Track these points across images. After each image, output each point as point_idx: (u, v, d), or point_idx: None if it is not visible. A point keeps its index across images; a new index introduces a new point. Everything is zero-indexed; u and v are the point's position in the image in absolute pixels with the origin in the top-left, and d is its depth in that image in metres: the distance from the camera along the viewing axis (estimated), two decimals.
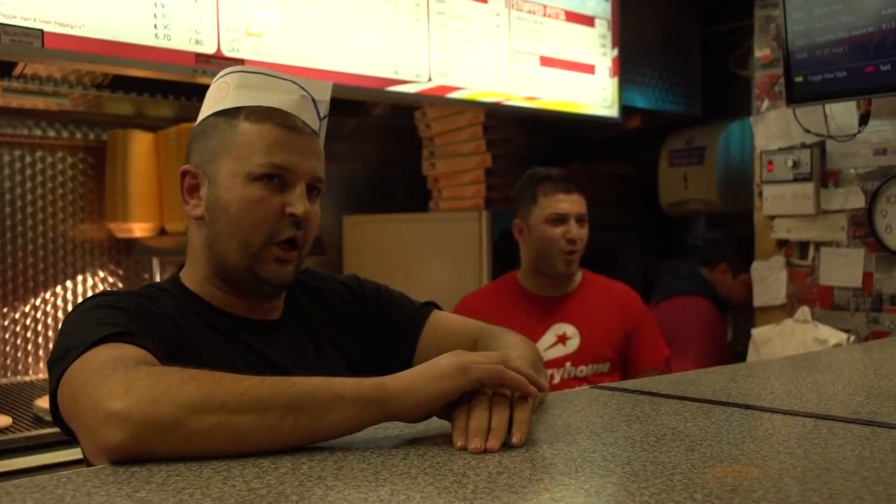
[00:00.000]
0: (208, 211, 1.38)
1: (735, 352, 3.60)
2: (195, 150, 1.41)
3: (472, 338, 1.56)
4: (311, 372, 1.39)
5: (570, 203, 2.64)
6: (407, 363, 1.51)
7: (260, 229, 1.35)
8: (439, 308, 1.65)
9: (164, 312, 1.32)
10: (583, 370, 2.63)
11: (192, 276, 1.43)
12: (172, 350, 1.25)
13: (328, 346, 1.50)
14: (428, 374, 1.08)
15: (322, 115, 1.44)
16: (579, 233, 2.63)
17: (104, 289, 3.34)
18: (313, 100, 1.42)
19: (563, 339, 2.64)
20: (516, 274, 2.76)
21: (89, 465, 1.06)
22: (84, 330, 1.17)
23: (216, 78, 1.44)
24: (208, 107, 1.42)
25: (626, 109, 3.80)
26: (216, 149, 1.37)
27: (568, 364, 2.63)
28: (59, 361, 1.13)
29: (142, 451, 0.98)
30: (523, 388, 1.10)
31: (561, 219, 2.63)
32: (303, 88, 1.40)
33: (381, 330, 1.57)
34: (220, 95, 1.41)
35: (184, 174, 1.42)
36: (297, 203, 1.35)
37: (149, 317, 1.27)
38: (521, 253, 2.76)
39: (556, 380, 2.58)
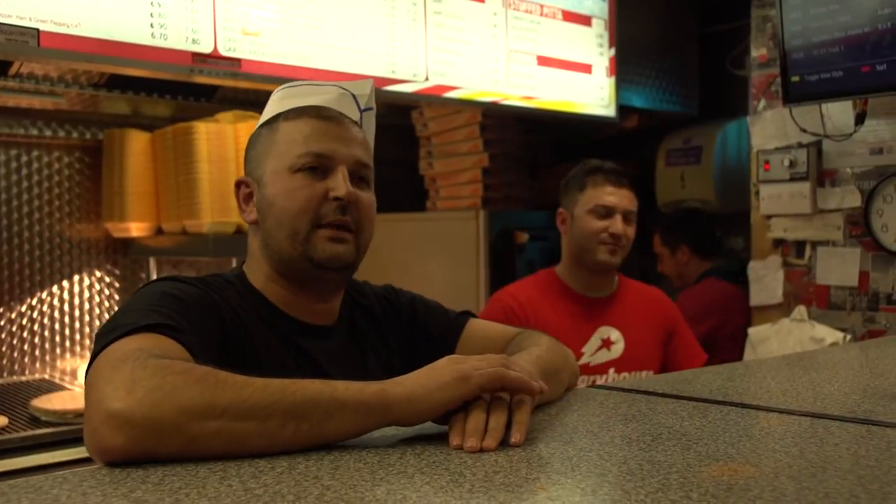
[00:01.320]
0: (259, 212, 1.41)
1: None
2: (246, 161, 1.47)
3: (507, 344, 1.55)
4: (354, 379, 1.41)
5: (619, 197, 2.51)
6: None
7: (304, 215, 1.36)
8: (474, 316, 1.64)
9: (228, 306, 1.33)
10: (626, 377, 2.51)
11: (256, 276, 1.44)
12: (229, 343, 1.26)
13: (372, 357, 1.51)
14: (430, 382, 1.08)
15: (363, 106, 1.48)
16: (625, 230, 2.49)
17: (102, 289, 3.34)
18: (353, 95, 1.46)
19: (607, 343, 2.51)
20: (554, 270, 2.61)
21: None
22: (135, 311, 1.19)
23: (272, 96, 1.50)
24: (259, 122, 1.48)
25: (623, 109, 3.80)
26: (259, 154, 1.43)
27: (612, 370, 2.49)
28: (102, 337, 1.14)
29: (140, 452, 0.98)
30: (526, 387, 1.11)
31: (607, 212, 2.49)
32: (342, 88, 1.45)
33: (416, 341, 1.57)
34: (267, 111, 1.47)
35: (238, 185, 1.47)
36: (340, 186, 1.36)
37: (210, 310, 1.28)
38: (561, 245, 2.61)
39: None
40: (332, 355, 1.42)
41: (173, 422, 0.98)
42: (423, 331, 1.58)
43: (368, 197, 1.43)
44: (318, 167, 1.37)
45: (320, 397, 1.03)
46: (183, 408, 0.98)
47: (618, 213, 2.50)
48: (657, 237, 3.75)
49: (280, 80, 2.67)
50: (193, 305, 1.26)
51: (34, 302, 3.19)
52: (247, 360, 1.27)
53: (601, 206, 2.49)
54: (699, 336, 3.15)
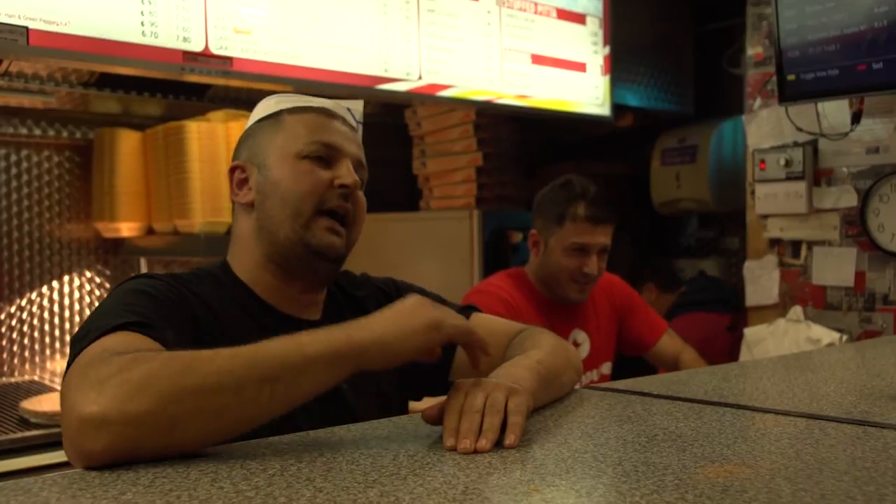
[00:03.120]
0: (259, 193, 1.43)
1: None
2: (242, 149, 1.49)
3: (511, 339, 1.55)
4: (346, 382, 1.40)
5: (597, 236, 2.43)
6: (445, 371, 1.53)
7: (309, 198, 1.39)
8: (478, 310, 1.63)
9: (202, 301, 1.33)
10: (589, 375, 2.54)
11: (242, 264, 1.45)
12: (203, 340, 1.25)
13: None
14: (400, 329, 1.12)
15: (358, 120, 1.54)
16: (598, 266, 2.46)
17: (92, 289, 3.33)
18: (348, 108, 1.51)
19: (575, 346, 2.49)
20: (525, 272, 2.58)
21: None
22: (105, 313, 1.19)
23: (259, 104, 1.53)
24: (252, 119, 1.51)
25: (617, 108, 3.80)
26: (262, 142, 1.45)
27: None
28: (75, 344, 1.14)
29: (124, 450, 0.98)
30: (484, 349, 1.21)
31: (583, 250, 2.43)
32: (337, 104, 1.50)
33: None
34: (263, 109, 1.50)
35: (232, 170, 1.48)
36: (346, 174, 1.40)
37: (181, 306, 1.29)
38: (531, 258, 2.58)
39: None
40: None
41: (149, 411, 0.97)
42: None
43: (362, 196, 1.48)
44: (325, 157, 1.41)
45: (291, 357, 1.05)
46: (156, 395, 0.98)
47: (594, 252, 2.44)
48: (654, 286, 3.73)
49: (272, 79, 2.68)
50: (165, 301, 1.26)
51: (23, 303, 3.18)
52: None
53: (579, 245, 2.43)
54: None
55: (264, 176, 1.42)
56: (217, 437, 1.04)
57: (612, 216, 2.47)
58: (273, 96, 1.52)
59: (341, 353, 1.08)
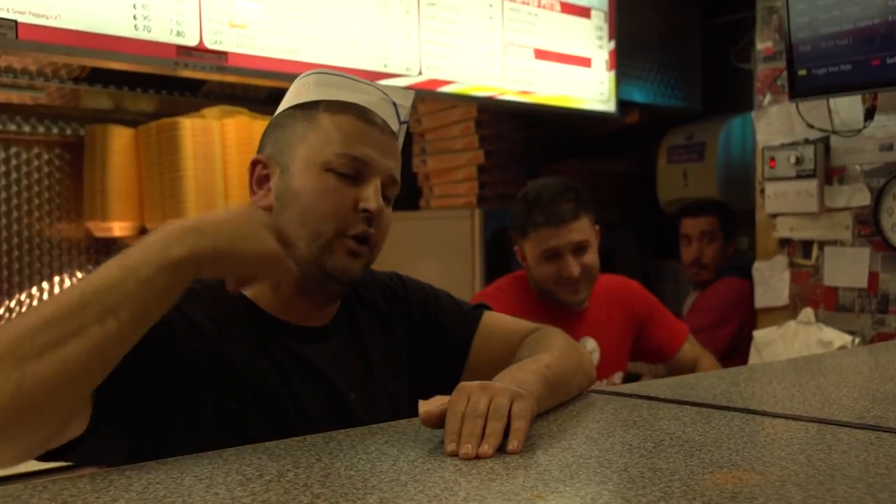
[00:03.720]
0: (278, 200, 1.35)
1: None
2: (268, 141, 1.41)
3: (524, 338, 1.54)
4: (357, 384, 1.38)
5: (563, 235, 2.40)
6: (458, 371, 1.51)
7: (330, 220, 1.32)
8: (489, 308, 1.62)
9: (191, 325, 1.26)
10: (599, 386, 2.51)
11: None
12: (196, 367, 1.22)
13: (376, 355, 1.47)
14: (241, 250, 1.14)
15: (402, 119, 1.44)
16: (580, 263, 2.41)
17: None
18: (394, 104, 1.42)
19: None
20: (526, 279, 2.57)
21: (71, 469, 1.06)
22: None
23: (297, 79, 1.45)
24: (286, 102, 1.42)
25: (623, 104, 3.80)
26: (291, 138, 1.37)
27: None
28: None
29: (10, 445, 0.98)
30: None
31: (556, 254, 2.41)
32: (383, 93, 1.41)
33: (427, 337, 1.54)
34: (299, 92, 1.41)
35: (254, 164, 1.40)
36: (371, 198, 1.32)
37: (150, 352, 1.17)
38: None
39: None
40: (329, 358, 1.39)
41: None
42: (435, 326, 1.55)
43: (389, 213, 1.40)
44: (353, 171, 1.33)
45: (124, 283, 1.04)
46: None
47: (566, 253, 2.41)
48: (715, 221, 3.59)
49: (268, 75, 2.68)
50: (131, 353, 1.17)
51: (12, 304, 3.18)
52: (225, 379, 1.24)
53: (546, 251, 2.42)
54: (725, 339, 3.19)
55: (286, 182, 1.34)
56: (79, 382, 1.02)
57: (574, 212, 2.43)
58: (312, 75, 1.42)
59: (181, 268, 1.08)
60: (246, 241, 1.14)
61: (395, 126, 1.41)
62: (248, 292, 1.37)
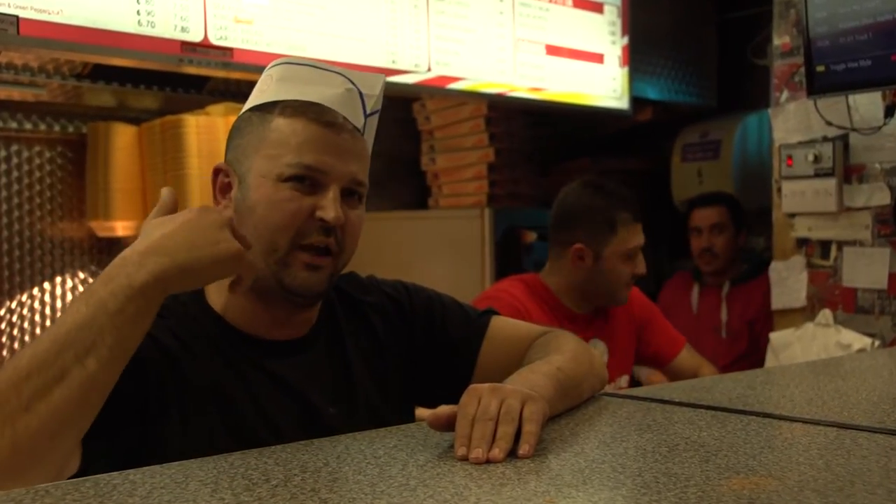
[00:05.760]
0: (236, 212, 1.32)
1: None
2: (230, 147, 1.40)
3: (533, 342, 1.53)
4: (336, 397, 1.37)
5: (642, 234, 2.49)
6: (466, 380, 1.46)
7: (285, 231, 1.29)
8: (497, 314, 1.60)
9: (158, 346, 1.25)
10: (606, 388, 2.53)
11: (217, 286, 1.36)
12: (166, 387, 1.22)
13: (359, 364, 1.45)
14: (201, 257, 1.14)
15: (369, 110, 1.41)
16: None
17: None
18: (360, 94, 1.39)
19: None
20: (541, 279, 2.55)
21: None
22: None
23: (265, 70, 1.43)
24: (250, 101, 1.41)
25: (636, 101, 3.80)
26: (247, 147, 1.35)
27: None
28: None
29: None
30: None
31: (636, 253, 2.48)
32: (350, 81, 1.37)
33: (433, 347, 1.53)
34: (261, 89, 1.40)
35: (216, 172, 1.39)
36: (328, 207, 1.29)
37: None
38: (567, 274, 2.51)
39: None
40: (305, 371, 1.37)
41: None
42: (441, 335, 1.53)
43: (357, 215, 1.37)
44: (308, 179, 1.30)
45: (95, 320, 1.06)
46: None
47: (640, 251, 2.49)
48: (725, 211, 3.60)
49: None
50: None
51: (13, 305, 3.19)
52: (190, 398, 1.25)
53: (635, 249, 2.47)
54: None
55: (243, 194, 1.33)
56: (74, 424, 1.05)
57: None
58: (276, 66, 1.40)
59: (147, 293, 1.09)
60: (203, 250, 1.14)
61: (359, 121, 1.38)
62: (218, 307, 1.36)
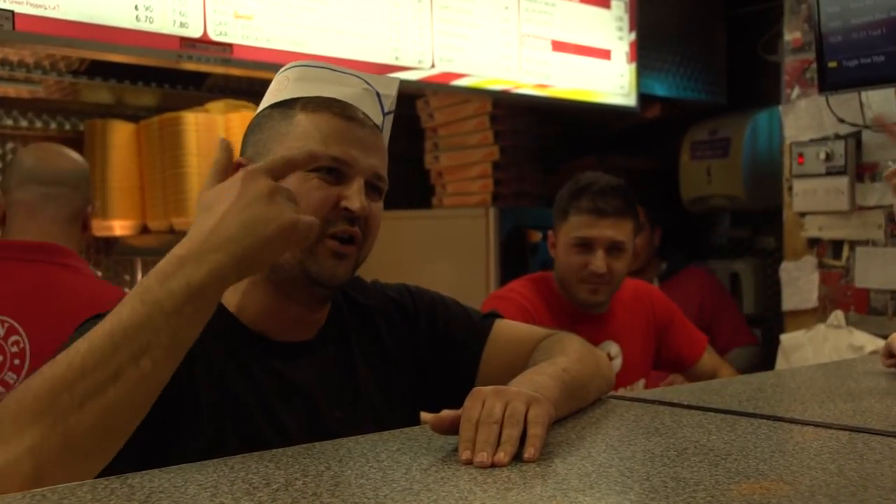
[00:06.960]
0: None
1: None
2: (249, 143, 1.41)
3: (537, 344, 1.54)
4: (342, 401, 1.38)
5: (601, 229, 2.39)
6: (468, 384, 1.46)
7: None
8: (500, 316, 1.61)
9: None
10: (622, 392, 2.51)
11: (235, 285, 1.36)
12: (182, 389, 1.22)
13: (365, 370, 1.46)
14: (254, 242, 1.11)
15: (386, 109, 1.44)
16: (609, 265, 2.39)
17: None
18: (377, 93, 1.42)
19: (609, 359, 2.43)
20: (552, 277, 2.55)
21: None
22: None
23: (278, 73, 1.45)
24: (266, 100, 1.43)
25: (644, 98, 3.79)
26: (268, 141, 1.37)
27: None
28: None
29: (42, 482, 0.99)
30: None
31: (587, 246, 2.40)
32: (366, 82, 1.41)
33: (436, 351, 1.54)
34: (278, 89, 1.42)
35: (236, 167, 1.37)
36: (354, 197, 1.32)
37: None
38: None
39: None
40: (312, 374, 1.39)
41: (31, 473, 0.99)
42: (445, 338, 1.54)
43: (378, 207, 1.41)
44: (334, 171, 1.33)
45: (151, 321, 1.05)
46: (25, 450, 0.99)
47: (599, 248, 2.40)
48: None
49: (275, 67, 2.67)
50: None
51: None
52: (198, 397, 1.26)
53: (581, 239, 2.41)
54: None
55: None
56: (126, 424, 1.06)
57: (621, 211, 2.42)
58: (291, 69, 1.43)
59: (205, 293, 1.09)
60: (256, 235, 1.11)
61: (378, 119, 1.42)
62: (231, 300, 1.37)
